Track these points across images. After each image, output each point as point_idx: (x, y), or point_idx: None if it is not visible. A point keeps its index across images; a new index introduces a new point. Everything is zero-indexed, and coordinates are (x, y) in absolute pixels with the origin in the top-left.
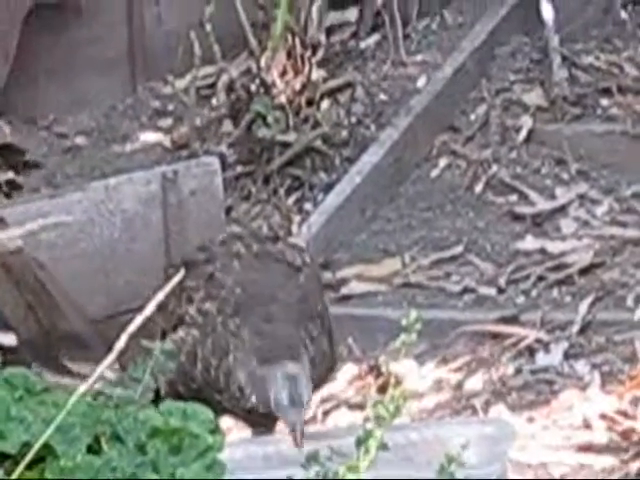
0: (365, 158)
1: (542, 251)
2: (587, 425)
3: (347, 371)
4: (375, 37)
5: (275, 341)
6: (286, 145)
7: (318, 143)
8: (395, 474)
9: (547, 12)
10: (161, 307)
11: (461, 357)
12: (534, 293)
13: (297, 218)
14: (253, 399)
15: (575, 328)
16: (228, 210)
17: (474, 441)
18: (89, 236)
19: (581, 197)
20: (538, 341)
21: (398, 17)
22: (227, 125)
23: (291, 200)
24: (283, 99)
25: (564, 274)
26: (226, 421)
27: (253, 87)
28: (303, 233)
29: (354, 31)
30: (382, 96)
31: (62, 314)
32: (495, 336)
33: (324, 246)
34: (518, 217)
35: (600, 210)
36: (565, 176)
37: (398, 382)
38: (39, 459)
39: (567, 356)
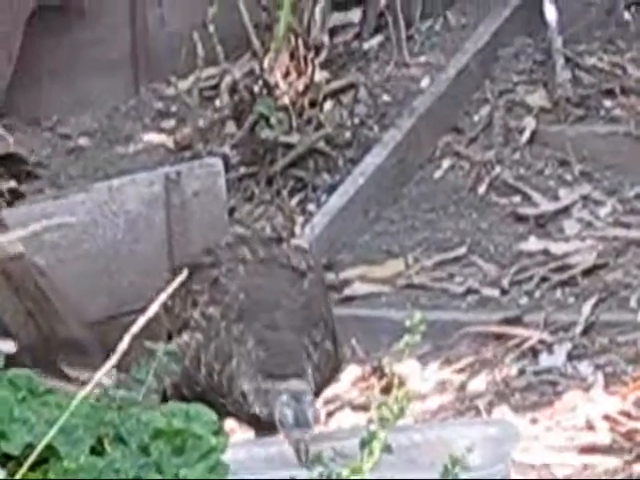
0: (368, 159)
1: (545, 252)
2: (590, 426)
3: (351, 372)
4: (378, 38)
5: (279, 353)
6: (289, 146)
7: (321, 144)
8: (398, 476)
9: (550, 13)
10: (167, 309)
11: (464, 358)
12: (537, 294)
13: (300, 219)
14: (256, 408)
15: (578, 329)
16: (231, 211)
17: (477, 442)
18: (92, 237)
19: (584, 198)
20: (541, 342)
21: (401, 18)
22: (230, 126)
23: (294, 201)
24: (286, 100)
25: (567, 275)
26: (229, 422)
27: (256, 88)
28: (306, 234)
29: (357, 32)
30: (385, 97)
31: (61, 320)
32: (498, 337)
33: (327, 247)
34: (521, 218)
35: (603, 211)
36: (568, 177)
37: (401, 383)
38: (42, 460)
39: (570, 357)
